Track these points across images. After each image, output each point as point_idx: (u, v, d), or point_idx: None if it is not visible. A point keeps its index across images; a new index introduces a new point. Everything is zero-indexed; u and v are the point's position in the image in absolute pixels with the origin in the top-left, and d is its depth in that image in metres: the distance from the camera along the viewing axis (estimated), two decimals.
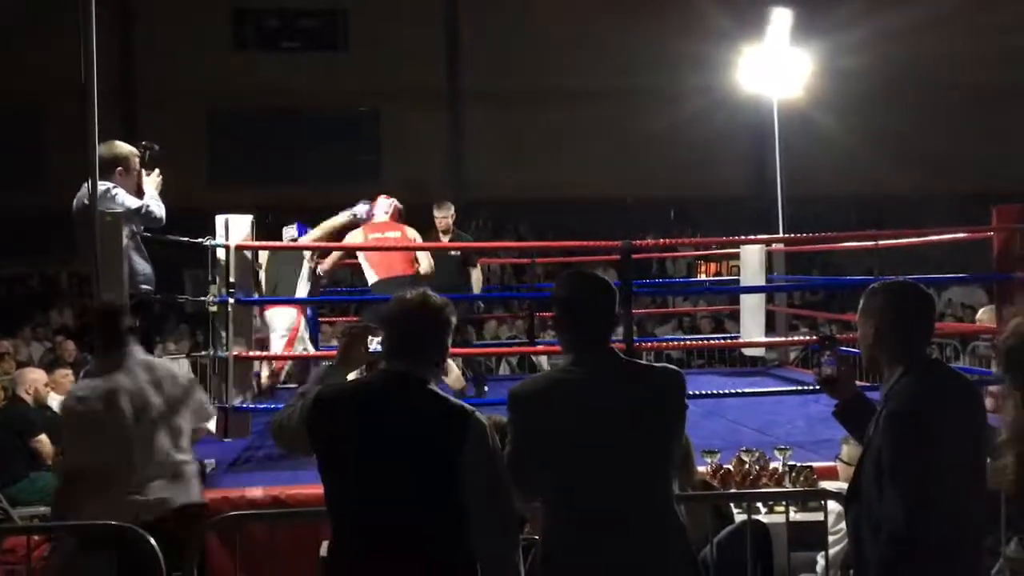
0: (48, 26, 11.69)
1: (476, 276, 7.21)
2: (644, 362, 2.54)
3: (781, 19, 8.16)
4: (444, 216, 6.93)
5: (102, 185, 4.22)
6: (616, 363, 2.45)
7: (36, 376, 6.45)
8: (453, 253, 6.95)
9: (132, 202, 4.28)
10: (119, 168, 4.34)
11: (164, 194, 4.47)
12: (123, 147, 4.44)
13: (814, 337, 9.18)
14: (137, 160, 4.47)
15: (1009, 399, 2.37)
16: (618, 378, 2.42)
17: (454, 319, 2.45)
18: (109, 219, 4.10)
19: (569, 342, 2.47)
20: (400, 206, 6.43)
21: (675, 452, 2.48)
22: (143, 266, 4.43)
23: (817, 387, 5.91)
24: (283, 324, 6.38)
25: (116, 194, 4.25)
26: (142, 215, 4.29)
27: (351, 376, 2.63)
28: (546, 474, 2.40)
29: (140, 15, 16.67)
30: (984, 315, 6.86)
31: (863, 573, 2.51)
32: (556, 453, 2.38)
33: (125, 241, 4.17)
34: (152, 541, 3.01)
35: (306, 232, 6.56)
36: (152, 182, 4.44)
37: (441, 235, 6.97)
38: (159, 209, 4.35)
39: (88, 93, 3.95)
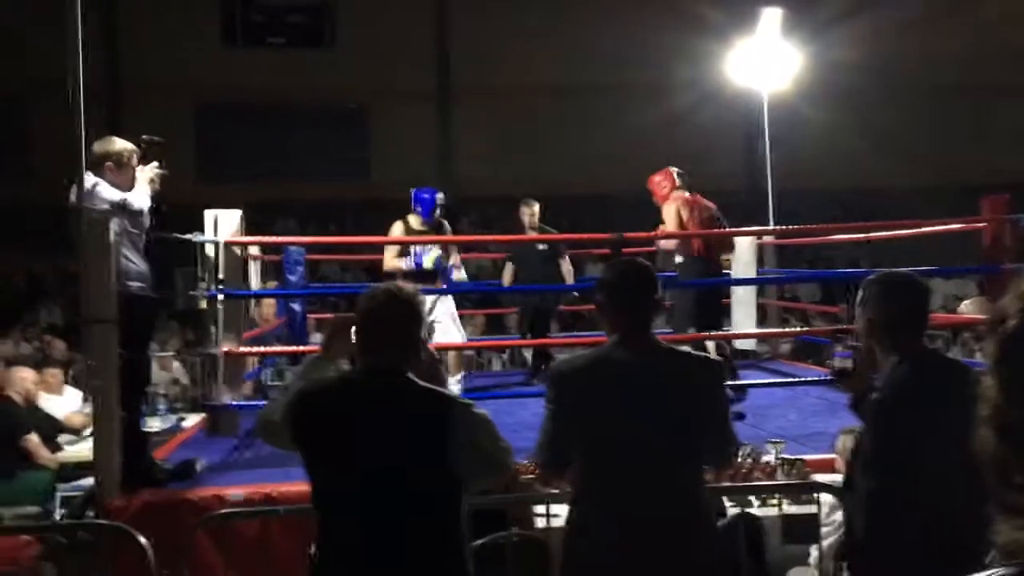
0: (34, 19, 11.60)
1: (567, 268, 7.31)
2: (685, 350, 2.59)
3: (772, 13, 8.14)
4: (531, 213, 7.20)
5: (87, 180, 4.17)
6: (657, 348, 2.53)
7: (25, 375, 6.41)
8: (541, 247, 7.09)
9: (112, 195, 4.22)
10: (109, 163, 4.30)
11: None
12: (117, 143, 4.38)
13: (805, 329, 9.21)
14: (135, 156, 4.41)
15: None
16: (658, 362, 2.49)
17: (424, 309, 2.43)
18: (95, 215, 4.05)
19: (612, 325, 2.55)
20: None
21: (707, 440, 2.50)
22: (136, 264, 4.36)
23: (818, 381, 5.94)
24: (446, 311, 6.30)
25: (99, 189, 4.20)
26: (122, 208, 4.22)
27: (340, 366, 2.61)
28: (579, 450, 2.47)
29: (126, 9, 16.57)
30: (966, 307, 6.83)
31: (857, 562, 2.51)
32: (590, 430, 2.45)
33: (113, 238, 4.12)
34: (142, 539, 2.98)
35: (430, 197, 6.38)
36: (144, 175, 4.39)
37: (528, 231, 7.21)
38: (138, 201, 4.27)
39: (74, 88, 3.90)
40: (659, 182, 6.35)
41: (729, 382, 5.93)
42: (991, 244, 5.93)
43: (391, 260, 6.25)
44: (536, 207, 7.21)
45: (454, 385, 6.27)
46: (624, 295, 2.54)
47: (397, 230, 6.29)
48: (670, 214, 6.18)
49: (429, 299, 6.10)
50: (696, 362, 2.56)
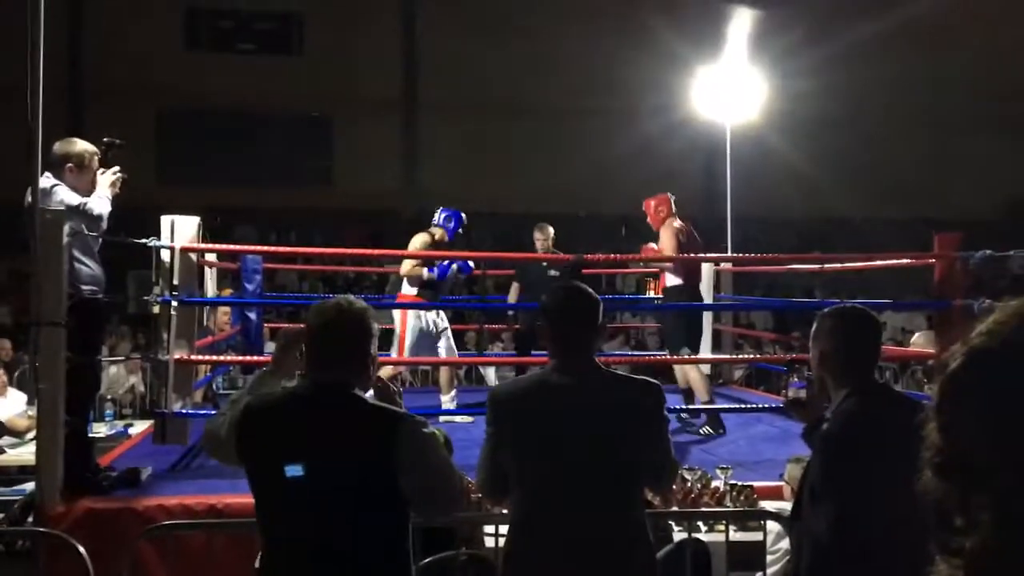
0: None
1: None
2: (624, 373, 2.59)
3: (736, 43, 8.27)
4: (543, 238, 7.31)
5: (46, 181, 4.11)
6: (597, 372, 2.52)
7: None
8: (552, 272, 7.12)
9: (72, 199, 4.16)
10: (69, 165, 4.24)
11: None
12: (78, 144, 4.33)
13: (759, 357, 9.33)
14: (96, 159, 4.35)
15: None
16: (598, 386, 2.49)
17: (375, 325, 2.42)
18: (49, 216, 3.99)
19: (554, 350, 2.55)
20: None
21: (648, 462, 2.51)
22: (89, 268, 4.29)
23: (770, 408, 6.00)
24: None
25: (57, 191, 4.14)
26: (81, 212, 4.17)
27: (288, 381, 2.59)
28: (517, 474, 2.46)
29: (90, 10, 16.35)
30: (919, 339, 6.95)
31: None
32: (526, 454, 2.44)
33: (65, 239, 4.06)
34: (81, 548, 2.93)
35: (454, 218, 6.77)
36: (106, 180, 4.33)
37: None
38: (99, 207, 4.22)
39: (33, 89, 3.85)
40: (656, 207, 6.41)
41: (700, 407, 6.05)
42: (940, 281, 6.04)
43: (414, 267, 6.49)
44: (550, 231, 7.32)
45: (448, 403, 6.35)
46: (564, 319, 2.54)
47: (420, 241, 6.61)
48: (669, 239, 6.22)
49: (435, 313, 6.54)
50: (635, 385, 2.55)
